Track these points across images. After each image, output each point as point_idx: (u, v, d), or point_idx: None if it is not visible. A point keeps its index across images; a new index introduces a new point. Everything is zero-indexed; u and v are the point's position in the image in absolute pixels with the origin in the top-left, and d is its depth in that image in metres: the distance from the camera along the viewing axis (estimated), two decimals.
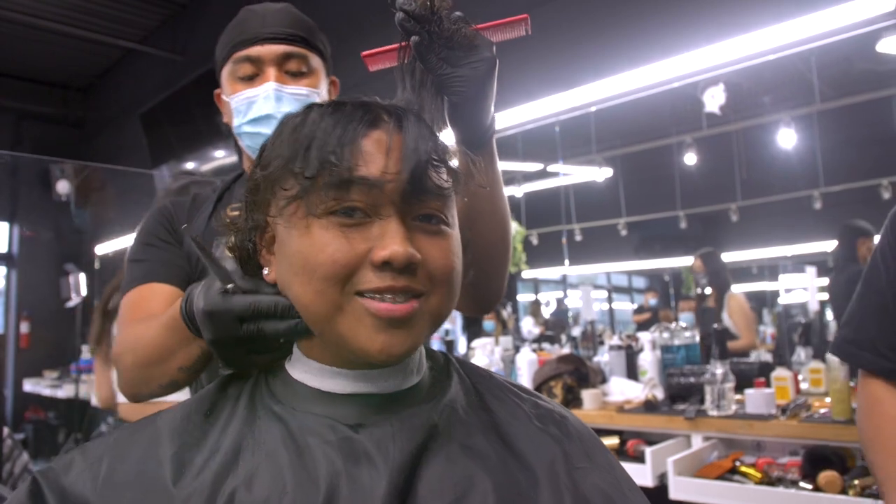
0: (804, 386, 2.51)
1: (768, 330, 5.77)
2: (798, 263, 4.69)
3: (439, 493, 0.57)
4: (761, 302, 6.77)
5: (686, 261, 6.87)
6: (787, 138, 4.05)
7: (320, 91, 1.11)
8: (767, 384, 2.33)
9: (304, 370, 0.65)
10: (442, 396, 0.66)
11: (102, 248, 6.40)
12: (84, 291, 5.43)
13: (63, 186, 6.23)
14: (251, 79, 1.09)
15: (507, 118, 3.09)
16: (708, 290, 4.12)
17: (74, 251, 6.46)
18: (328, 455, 0.58)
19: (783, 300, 4.81)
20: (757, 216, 5.12)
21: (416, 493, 0.57)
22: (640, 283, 6.72)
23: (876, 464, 1.07)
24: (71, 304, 5.45)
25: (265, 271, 0.66)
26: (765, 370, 2.51)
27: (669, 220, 5.53)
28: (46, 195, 6.26)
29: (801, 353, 2.87)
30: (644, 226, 5.82)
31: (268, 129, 1.01)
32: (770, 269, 5.40)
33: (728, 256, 6.27)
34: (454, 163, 0.68)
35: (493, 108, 0.81)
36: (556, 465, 0.63)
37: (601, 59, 2.88)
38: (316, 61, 1.12)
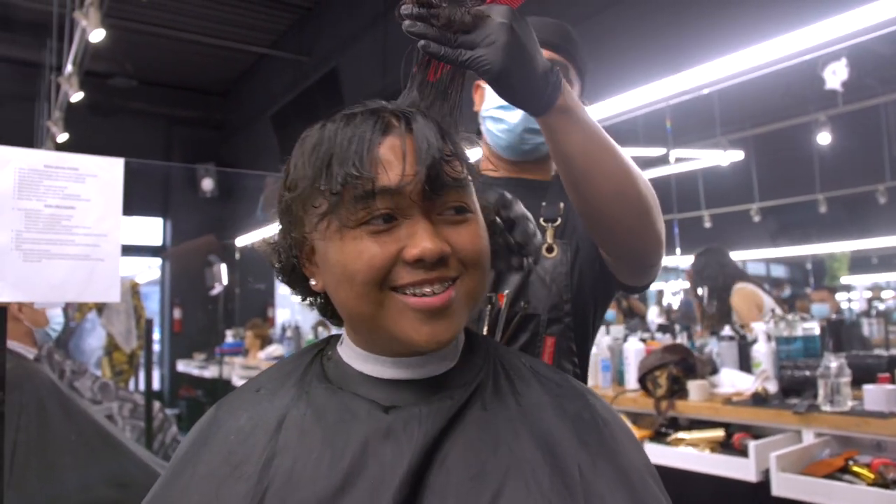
0: None
1: None
2: None
3: (455, 476, 0.62)
4: None
5: (828, 247, 6.35)
6: None
7: None
8: (893, 380, 2.15)
9: (351, 355, 0.72)
10: (472, 382, 0.70)
11: (242, 241, 6.91)
12: (226, 280, 5.89)
13: (207, 184, 6.79)
14: None
15: (618, 104, 2.98)
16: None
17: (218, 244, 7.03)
18: (357, 431, 0.64)
19: None
20: None
21: (430, 474, 0.62)
22: (779, 271, 6.30)
23: None
24: (214, 291, 5.93)
25: (312, 282, 0.72)
26: (894, 365, 2.31)
27: (808, 204, 5.14)
28: (193, 193, 6.87)
29: None
30: (780, 211, 5.44)
31: (508, 116, 1.13)
32: None
33: (876, 242, 5.73)
34: (467, 152, 0.71)
35: (538, 70, 0.75)
36: (574, 456, 0.65)
37: (710, 40, 2.74)
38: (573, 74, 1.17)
